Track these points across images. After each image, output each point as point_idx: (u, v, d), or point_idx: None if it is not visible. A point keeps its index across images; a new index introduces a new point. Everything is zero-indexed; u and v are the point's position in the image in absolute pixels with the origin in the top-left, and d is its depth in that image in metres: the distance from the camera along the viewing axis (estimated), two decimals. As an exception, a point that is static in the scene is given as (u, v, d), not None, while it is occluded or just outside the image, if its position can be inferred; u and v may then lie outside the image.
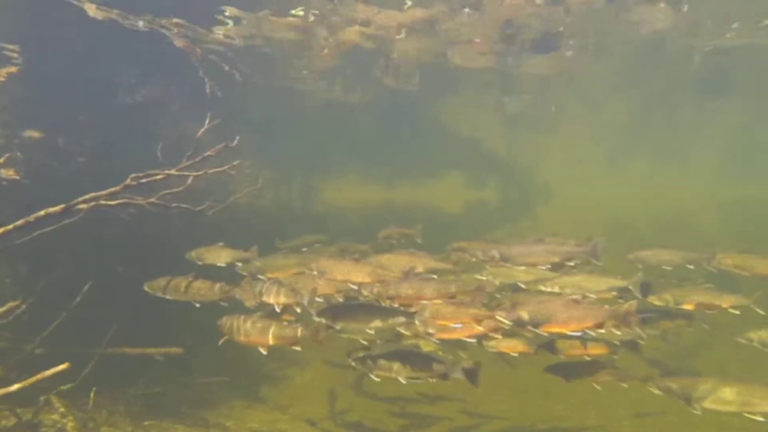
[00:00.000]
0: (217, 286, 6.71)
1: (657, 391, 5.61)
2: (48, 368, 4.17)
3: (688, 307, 5.98)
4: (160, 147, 6.30)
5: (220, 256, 7.80)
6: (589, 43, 17.93)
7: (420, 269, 6.52)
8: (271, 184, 21.06)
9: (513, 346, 6.36)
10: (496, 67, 19.83)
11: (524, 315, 5.09)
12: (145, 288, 6.77)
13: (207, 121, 6.21)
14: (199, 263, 7.77)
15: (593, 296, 5.70)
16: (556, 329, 5.11)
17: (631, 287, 5.96)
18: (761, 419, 5.09)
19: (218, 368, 9.21)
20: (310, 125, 25.84)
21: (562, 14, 14.65)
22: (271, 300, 6.27)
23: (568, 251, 5.92)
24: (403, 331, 5.98)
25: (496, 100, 25.44)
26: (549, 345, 6.36)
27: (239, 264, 7.60)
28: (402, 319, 5.81)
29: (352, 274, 6.09)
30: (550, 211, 25.97)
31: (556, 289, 5.88)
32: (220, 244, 7.99)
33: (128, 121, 10.98)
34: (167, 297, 6.62)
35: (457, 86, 22.59)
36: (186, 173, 6.08)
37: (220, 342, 5.99)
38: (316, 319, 5.87)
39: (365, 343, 6.25)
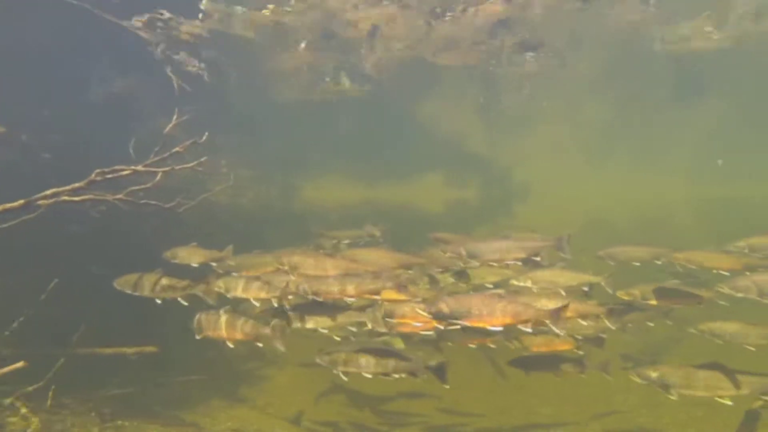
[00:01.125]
0: (181, 283, 6.63)
1: (637, 379, 5.85)
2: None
3: (654, 302, 6.12)
4: (132, 143, 6.21)
5: (193, 256, 7.72)
6: (567, 43, 18.19)
7: (393, 264, 6.54)
8: (251, 182, 20.93)
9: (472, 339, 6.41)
10: (477, 65, 19.99)
11: (444, 308, 5.06)
12: (115, 285, 6.67)
13: (174, 117, 6.13)
14: (174, 262, 7.70)
15: (563, 292, 5.79)
16: (477, 323, 5.04)
17: (602, 283, 6.06)
18: (729, 402, 5.41)
19: (196, 367, 9.14)
20: (290, 123, 25.72)
21: (538, 15, 14.82)
22: (245, 295, 6.28)
23: (535, 246, 5.95)
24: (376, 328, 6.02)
25: (477, 99, 25.61)
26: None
27: (214, 264, 7.54)
28: (355, 317, 5.87)
29: (324, 271, 6.08)
30: (530, 209, 26.22)
31: (528, 284, 5.96)
32: (194, 244, 7.90)
33: (99, 117, 10.79)
34: (135, 294, 6.54)
35: (437, 85, 22.69)
36: (153, 169, 6.01)
37: (198, 337, 5.95)
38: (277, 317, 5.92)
39: (338, 339, 6.27)
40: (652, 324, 6.48)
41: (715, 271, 6.27)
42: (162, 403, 7.93)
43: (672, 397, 5.54)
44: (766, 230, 6.88)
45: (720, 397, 5.41)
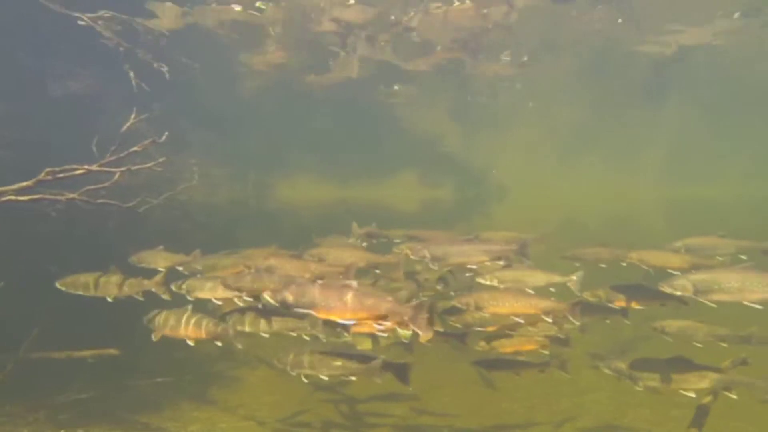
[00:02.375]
0: (131, 281, 6.45)
1: (607, 371, 6.03)
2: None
3: (619, 303, 6.23)
4: (95, 141, 6.04)
5: (160, 260, 7.49)
6: (540, 45, 18.41)
7: (362, 264, 6.51)
8: (224, 181, 20.70)
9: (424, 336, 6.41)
10: (451, 68, 20.10)
11: (289, 297, 4.86)
12: (58, 285, 6.43)
13: (133, 116, 5.98)
14: (140, 266, 7.48)
15: (531, 291, 5.86)
16: (325, 315, 4.75)
17: (569, 284, 6.13)
18: (693, 395, 5.63)
19: (165, 369, 8.98)
20: (264, 121, 25.48)
21: (507, 15, 14.98)
22: (208, 296, 6.20)
23: (497, 250, 5.97)
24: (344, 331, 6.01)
25: (452, 100, 25.72)
26: (461, 337, 6.54)
27: (180, 268, 7.35)
28: (293, 323, 5.84)
29: (291, 270, 6.03)
30: (504, 209, 26.56)
31: (495, 283, 6.00)
32: (161, 247, 7.70)
33: (59, 114, 10.47)
34: (80, 293, 6.32)
35: (412, 85, 22.73)
36: (108, 169, 5.86)
37: (154, 338, 5.84)
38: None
39: (308, 339, 6.23)
40: (608, 321, 6.62)
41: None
42: (126, 408, 7.75)
43: (638, 389, 5.70)
44: (704, 231, 7.17)
45: (684, 390, 5.59)
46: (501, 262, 6.11)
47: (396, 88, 22.14)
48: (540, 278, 6.08)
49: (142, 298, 6.30)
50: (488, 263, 6.19)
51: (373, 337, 6.40)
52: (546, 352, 6.78)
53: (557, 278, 6.18)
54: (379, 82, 21.60)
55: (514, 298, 5.76)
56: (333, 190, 25.83)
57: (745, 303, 4.75)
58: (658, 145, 32.00)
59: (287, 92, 23.03)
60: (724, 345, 6.12)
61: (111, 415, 7.22)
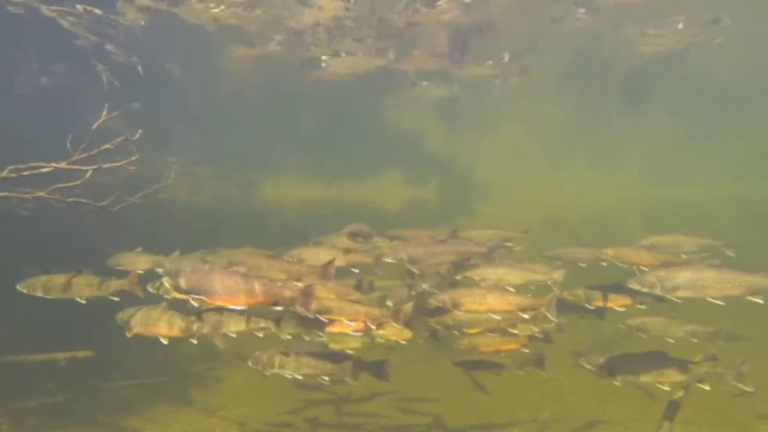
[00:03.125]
0: (103, 281, 6.34)
1: (587, 366, 6.11)
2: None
3: (598, 303, 6.30)
4: (69, 139, 5.92)
5: (138, 262, 7.34)
6: (525, 46, 18.54)
7: (341, 263, 6.48)
8: (208, 180, 20.53)
9: (400, 334, 6.45)
10: (438, 69, 20.18)
11: (183, 283, 4.93)
12: (19, 288, 6.17)
13: (105, 113, 5.88)
14: (118, 269, 7.34)
15: (512, 289, 5.89)
16: (219, 302, 4.87)
17: (550, 282, 6.17)
18: (668, 389, 5.76)
19: (143, 370, 8.86)
20: (249, 120, 25.34)
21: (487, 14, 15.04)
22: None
23: (467, 251, 5.98)
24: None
25: (437, 100, 25.77)
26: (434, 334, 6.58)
27: (159, 270, 7.23)
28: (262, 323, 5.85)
29: (269, 270, 5.99)
30: (488, 209, 26.65)
31: (476, 280, 6.01)
32: (139, 249, 7.58)
33: (30, 110, 10.25)
34: (47, 296, 6.16)
35: (398, 85, 22.76)
36: (77, 167, 5.75)
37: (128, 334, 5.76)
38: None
39: (289, 337, 6.20)
40: (583, 320, 6.70)
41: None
42: (101, 411, 7.63)
43: (616, 383, 5.81)
44: (668, 230, 7.33)
45: (660, 383, 5.72)
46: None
47: (425, 84, 22.08)
48: (521, 276, 6.09)
49: (117, 298, 6.19)
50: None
51: (368, 335, 6.38)
52: (527, 350, 6.84)
53: (538, 276, 6.21)
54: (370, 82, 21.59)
55: (490, 295, 5.78)
56: (318, 189, 25.76)
57: (709, 299, 4.87)
58: (641, 147, 32.43)
59: (273, 91, 22.93)
60: (695, 341, 6.27)
61: (84, 419, 7.09)
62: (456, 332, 6.57)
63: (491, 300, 5.74)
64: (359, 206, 22.92)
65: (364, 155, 28.33)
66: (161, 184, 8.40)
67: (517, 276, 6.09)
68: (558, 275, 6.32)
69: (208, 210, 18.67)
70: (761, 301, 5.00)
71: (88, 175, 5.79)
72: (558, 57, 19.55)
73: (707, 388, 5.59)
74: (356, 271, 6.48)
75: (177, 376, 9.34)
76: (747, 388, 5.50)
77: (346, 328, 5.98)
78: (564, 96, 25.32)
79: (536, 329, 6.49)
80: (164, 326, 5.73)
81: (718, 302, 4.92)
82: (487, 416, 8.25)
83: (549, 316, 5.75)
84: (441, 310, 6.20)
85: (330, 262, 5.96)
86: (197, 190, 19.06)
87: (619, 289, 6.15)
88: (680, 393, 6.00)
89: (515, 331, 6.46)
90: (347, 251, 6.99)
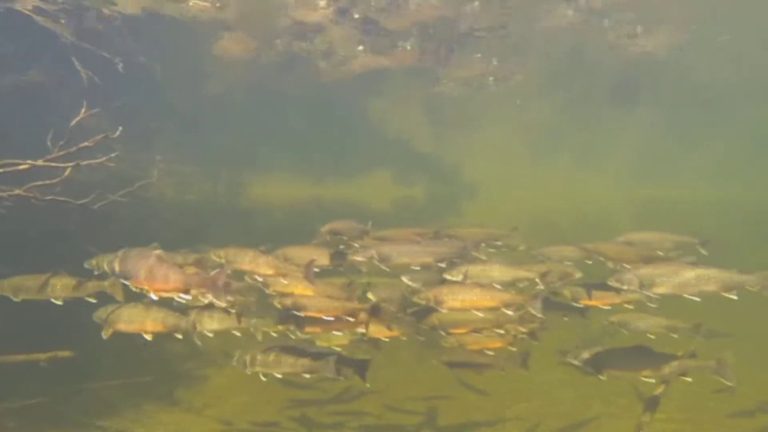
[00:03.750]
0: (81, 283, 6.25)
1: (573, 361, 6.13)
2: None
3: (584, 302, 6.35)
4: (50, 136, 5.83)
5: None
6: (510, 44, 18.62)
7: (324, 262, 6.47)
8: (195, 178, 20.40)
9: (383, 332, 6.48)
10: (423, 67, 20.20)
11: (116, 267, 5.05)
12: None
13: (83, 110, 5.81)
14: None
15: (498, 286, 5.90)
16: (140, 285, 4.93)
17: (537, 279, 6.17)
18: (652, 380, 5.87)
19: (128, 370, 8.76)
20: (237, 119, 25.19)
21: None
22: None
23: (442, 252, 5.95)
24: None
25: (424, 99, 25.85)
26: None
27: None
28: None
29: (256, 266, 6.01)
30: (476, 207, 26.79)
31: (460, 278, 6.00)
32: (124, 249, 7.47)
33: (8, 107, 10.03)
34: (19, 298, 6.05)
35: (385, 83, 22.77)
36: (55, 164, 5.67)
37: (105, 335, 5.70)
38: None
39: (275, 335, 6.20)
40: (566, 319, 6.77)
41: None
42: (82, 412, 7.51)
43: (602, 378, 5.85)
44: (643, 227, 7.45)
45: (645, 377, 5.79)
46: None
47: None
48: (506, 273, 6.08)
49: (94, 300, 6.12)
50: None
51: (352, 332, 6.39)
52: (514, 349, 6.88)
53: (525, 273, 6.20)
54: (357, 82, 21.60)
55: (473, 291, 5.79)
56: (306, 188, 25.71)
57: (685, 296, 4.97)
58: (628, 146, 32.73)
59: (260, 90, 22.82)
60: (675, 336, 6.37)
61: (64, 420, 6.99)
62: (442, 332, 6.61)
63: (475, 297, 5.74)
64: (347, 205, 22.90)
65: (353, 154, 28.31)
66: (144, 182, 8.30)
67: (502, 273, 6.08)
68: (544, 273, 6.32)
69: (195, 209, 18.55)
70: (735, 297, 5.06)
71: (67, 172, 5.72)
72: (545, 57, 19.65)
73: (689, 380, 5.66)
74: (342, 269, 6.43)
75: (162, 375, 9.25)
76: (728, 383, 5.53)
77: (330, 326, 6.01)
78: (552, 96, 25.46)
79: (523, 329, 6.53)
80: (148, 322, 5.68)
81: (695, 298, 5.01)
82: (474, 414, 8.28)
83: (533, 311, 5.78)
84: (427, 309, 6.22)
85: (311, 261, 5.95)
86: (184, 189, 18.94)
87: (605, 287, 6.19)
88: (661, 387, 6.10)
89: (501, 331, 6.51)
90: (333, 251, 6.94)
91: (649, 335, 6.39)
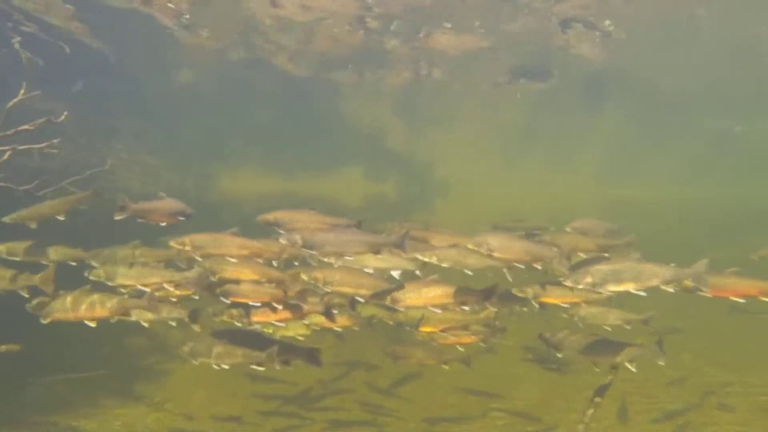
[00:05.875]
0: (16, 275, 6.04)
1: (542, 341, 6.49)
2: None
3: (546, 300, 6.45)
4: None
5: (50, 254, 6.89)
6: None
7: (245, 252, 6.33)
8: (164, 171, 19.97)
9: (339, 322, 6.50)
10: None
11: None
12: None
13: (21, 92, 5.59)
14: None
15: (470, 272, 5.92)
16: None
17: (504, 270, 6.17)
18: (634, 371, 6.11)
19: (89, 364, 8.52)
20: (205, 111, 24.77)
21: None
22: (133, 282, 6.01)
23: (376, 242, 5.89)
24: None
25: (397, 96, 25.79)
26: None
27: (74, 263, 6.88)
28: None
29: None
30: (447, 205, 26.94)
31: (434, 260, 5.97)
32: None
33: None
34: None
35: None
36: None
37: (45, 321, 5.53)
38: None
39: (239, 325, 6.13)
40: (525, 309, 6.87)
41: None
42: (30, 408, 7.31)
43: (558, 355, 6.25)
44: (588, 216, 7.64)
45: (598, 362, 6.21)
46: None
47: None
48: (478, 260, 6.06)
49: (27, 295, 5.92)
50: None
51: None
52: (484, 345, 6.91)
53: (492, 262, 6.16)
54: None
55: (429, 289, 5.77)
56: (276, 182, 25.42)
57: (632, 291, 5.14)
58: (597, 147, 33.33)
59: (230, 82, 22.49)
60: (628, 327, 6.58)
61: (16, 417, 6.76)
62: (408, 328, 6.62)
63: (431, 294, 5.73)
64: (318, 200, 22.70)
65: (325, 149, 28.13)
66: (97, 169, 8.03)
67: (474, 260, 6.04)
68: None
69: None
70: (672, 290, 5.33)
71: (6, 155, 5.51)
72: (514, 55, 19.82)
73: (634, 369, 6.02)
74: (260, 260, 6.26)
75: (121, 369, 9.03)
76: (660, 362, 5.91)
77: (273, 316, 5.99)
78: (523, 97, 25.70)
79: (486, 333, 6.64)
80: (88, 308, 5.51)
81: (641, 293, 5.19)
82: (437, 411, 8.31)
83: (489, 306, 5.81)
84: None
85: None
86: (152, 182, 18.53)
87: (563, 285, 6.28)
88: (611, 375, 6.35)
89: (467, 333, 6.59)
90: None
91: (605, 327, 6.57)
